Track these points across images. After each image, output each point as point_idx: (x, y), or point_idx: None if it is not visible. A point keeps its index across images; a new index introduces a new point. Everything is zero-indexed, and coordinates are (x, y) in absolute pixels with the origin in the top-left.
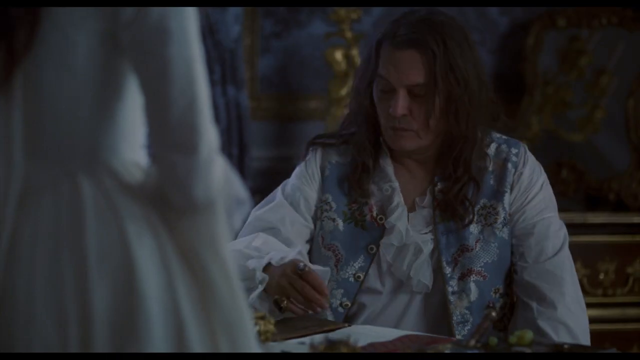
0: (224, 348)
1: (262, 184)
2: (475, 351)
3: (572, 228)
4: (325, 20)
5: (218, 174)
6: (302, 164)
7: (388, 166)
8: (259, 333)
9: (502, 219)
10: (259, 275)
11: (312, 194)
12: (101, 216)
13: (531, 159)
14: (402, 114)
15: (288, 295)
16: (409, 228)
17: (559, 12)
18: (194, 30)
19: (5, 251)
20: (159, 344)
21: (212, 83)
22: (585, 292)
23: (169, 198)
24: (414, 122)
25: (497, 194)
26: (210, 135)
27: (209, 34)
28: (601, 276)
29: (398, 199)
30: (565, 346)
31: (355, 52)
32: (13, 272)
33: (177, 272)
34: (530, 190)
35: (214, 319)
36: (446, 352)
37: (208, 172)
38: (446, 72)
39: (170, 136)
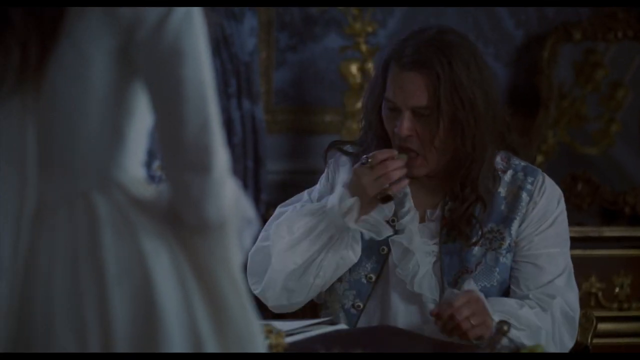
0: None
1: (277, 197)
2: None
3: (588, 242)
4: (340, 33)
5: (230, 194)
6: (325, 172)
7: None
8: (270, 346)
9: (507, 245)
10: (348, 202)
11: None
12: (117, 232)
13: (550, 189)
14: (407, 135)
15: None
16: (418, 235)
17: (574, 25)
18: (205, 50)
19: (22, 267)
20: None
21: (228, 96)
22: (600, 306)
23: (182, 217)
24: (419, 143)
25: (506, 220)
26: (222, 155)
27: (224, 46)
28: (616, 290)
29: (409, 203)
30: None
31: (370, 65)
32: (31, 288)
33: (192, 288)
34: (544, 222)
35: (226, 335)
36: None
37: (220, 192)
38: (451, 94)
39: (184, 156)
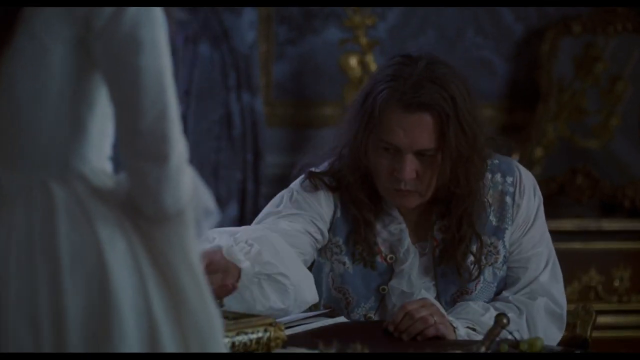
0: (195, 352)
1: (276, 190)
2: None
3: (587, 235)
4: (339, 26)
5: (188, 184)
6: (317, 195)
7: (391, 209)
8: (269, 339)
9: (503, 257)
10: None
11: (324, 220)
12: (73, 220)
13: (527, 185)
14: (410, 178)
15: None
16: (417, 277)
17: (574, 19)
18: (164, 40)
19: None
20: (133, 346)
21: (227, 89)
22: (599, 299)
23: (140, 206)
24: (420, 184)
25: (498, 231)
26: (180, 144)
27: (224, 39)
28: (616, 283)
29: (407, 241)
30: (577, 351)
31: (369, 58)
32: None
33: (149, 276)
34: (528, 221)
35: (184, 324)
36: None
37: (178, 181)
38: (456, 133)
39: (141, 146)
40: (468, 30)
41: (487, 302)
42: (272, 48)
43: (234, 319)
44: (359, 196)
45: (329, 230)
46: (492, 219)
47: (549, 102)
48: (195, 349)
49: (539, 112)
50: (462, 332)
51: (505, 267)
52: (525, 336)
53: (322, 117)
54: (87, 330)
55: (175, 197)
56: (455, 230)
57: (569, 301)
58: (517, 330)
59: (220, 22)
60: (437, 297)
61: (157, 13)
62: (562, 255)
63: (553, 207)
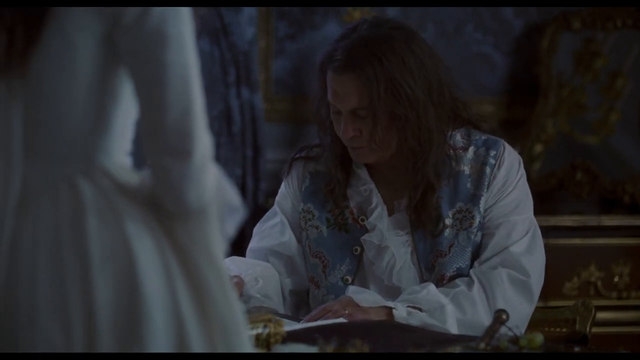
0: (221, 350)
1: (276, 186)
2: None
3: (587, 230)
4: (339, 22)
5: (211, 181)
6: (283, 182)
7: (360, 169)
8: (269, 335)
9: (477, 223)
10: None
11: (288, 208)
12: (102, 217)
13: (508, 158)
14: (351, 136)
15: None
16: (388, 229)
17: (573, 14)
18: (190, 35)
19: (6, 253)
20: (161, 343)
21: (227, 85)
22: (599, 295)
23: (162, 202)
24: (364, 141)
25: (474, 198)
26: (204, 141)
27: (223, 35)
28: (616, 279)
29: (377, 199)
30: (576, 349)
31: None
32: (15, 274)
33: (176, 273)
34: (504, 191)
35: (210, 322)
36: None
37: (201, 178)
38: (385, 92)
39: (164, 141)
40: (468, 26)
41: (460, 271)
42: (272, 43)
43: None
44: (329, 155)
45: (298, 201)
46: (470, 187)
47: (548, 97)
48: (220, 345)
49: (538, 107)
50: (403, 312)
51: (480, 234)
52: (481, 306)
53: None
54: (117, 327)
55: (197, 194)
56: (413, 180)
57: (568, 297)
58: (444, 305)
59: (219, 18)
60: (417, 261)
61: (184, 9)
62: (561, 251)
63: (552, 202)
